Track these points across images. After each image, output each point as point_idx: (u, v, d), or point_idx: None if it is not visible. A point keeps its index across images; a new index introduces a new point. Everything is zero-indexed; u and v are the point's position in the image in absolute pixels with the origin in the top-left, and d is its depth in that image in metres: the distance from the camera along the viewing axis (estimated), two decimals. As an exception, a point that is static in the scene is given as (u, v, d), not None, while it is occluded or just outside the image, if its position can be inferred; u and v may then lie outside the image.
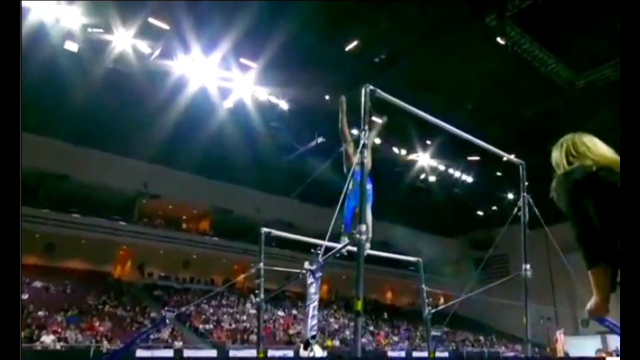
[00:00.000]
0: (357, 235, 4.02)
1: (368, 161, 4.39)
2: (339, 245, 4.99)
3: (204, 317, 22.37)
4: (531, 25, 14.98)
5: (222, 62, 15.94)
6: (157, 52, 15.15)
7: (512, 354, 28.58)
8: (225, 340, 20.64)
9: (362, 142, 4.34)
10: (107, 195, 23.60)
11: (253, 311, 24.49)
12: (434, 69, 16.84)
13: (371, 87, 4.52)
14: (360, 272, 3.95)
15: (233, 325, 22.52)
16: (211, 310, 23.19)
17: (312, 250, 26.19)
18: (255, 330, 21.99)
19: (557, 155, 2.20)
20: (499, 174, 24.75)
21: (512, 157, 6.90)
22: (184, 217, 28.84)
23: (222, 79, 16.49)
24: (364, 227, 4.04)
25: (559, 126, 21.08)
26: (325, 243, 5.29)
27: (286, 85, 17.31)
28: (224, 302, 24.56)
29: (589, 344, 26.23)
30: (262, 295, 6.80)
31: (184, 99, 16.30)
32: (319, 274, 6.01)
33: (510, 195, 26.91)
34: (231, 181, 25.62)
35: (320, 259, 5.55)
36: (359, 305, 3.83)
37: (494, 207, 29.58)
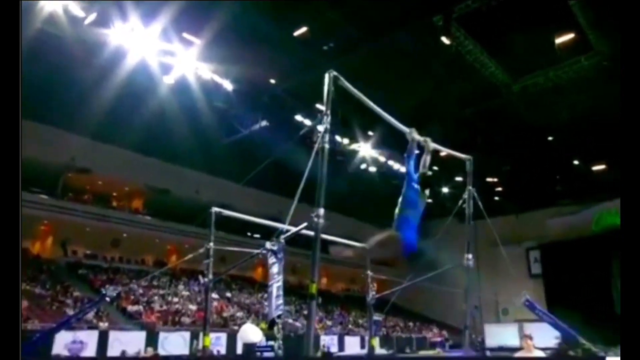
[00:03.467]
0: (315, 219, 4.02)
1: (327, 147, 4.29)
2: (293, 228, 5.08)
3: (133, 297, 21.81)
4: (475, 29, 15.83)
5: (164, 35, 15.32)
6: (92, 17, 14.27)
7: (439, 339, 30.47)
8: (155, 321, 20.30)
9: (324, 126, 4.25)
10: (28, 167, 22.02)
11: (186, 293, 24.25)
12: (378, 63, 17.30)
13: (334, 73, 4.47)
14: (316, 256, 4.01)
15: (164, 307, 22.16)
16: (141, 291, 22.65)
17: (249, 233, 25.99)
18: (188, 312, 21.94)
19: None
20: (435, 168, 25.90)
21: (459, 153, 7.13)
22: (115, 194, 27.71)
23: (164, 52, 15.88)
24: (321, 211, 4.05)
25: (495, 127, 22.52)
26: (285, 226, 5.41)
27: (231, 64, 17.03)
28: (155, 283, 24.06)
29: (508, 331, 28.88)
30: (210, 276, 6.96)
31: (122, 71, 15.55)
32: (281, 254, 6.21)
33: (445, 189, 28.38)
34: (169, 160, 24.94)
35: (282, 239, 5.76)
36: (314, 288, 3.88)
37: (429, 200, 31.00)
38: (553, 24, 15.48)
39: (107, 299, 9.84)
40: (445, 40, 15.93)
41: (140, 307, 21.34)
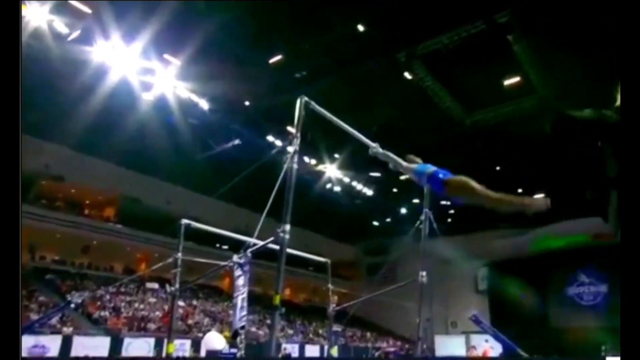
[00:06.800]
0: (281, 234, 4.03)
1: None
2: (260, 242, 5.01)
3: (99, 303, 20.92)
4: (434, 67, 16.47)
5: (144, 54, 15.19)
6: (75, 34, 13.99)
7: (392, 349, 30.61)
8: (121, 327, 19.51)
9: (293, 148, 4.29)
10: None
11: (153, 299, 23.46)
12: (346, 91, 17.68)
13: (306, 98, 4.51)
14: (281, 269, 4.00)
15: (130, 314, 21.35)
16: (108, 297, 21.76)
17: (217, 245, 25.45)
18: (154, 318, 21.20)
19: None
20: (395, 190, 26.40)
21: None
22: (88, 202, 26.75)
23: (144, 70, 15.70)
24: (287, 227, 4.06)
25: (449, 155, 23.21)
26: (253, 240, 5.34)
27: (208, 85, 17.01)
28: (122, 289, 23.16)
29: (456, 342, 29.62)
30: (177, 285, 6.84)
31: (103, 86, 15.28)
32: (247, 267, 6.13)
33: (403, 210, 28.90)
34: (142, 171, 24.44)
35: (249, 252, 5.70)
36: (278, 299, 3.88)
37: (388, 220, 31.43)
38: (502, 67, 16.35)
39: (72, 305, 9.47)
40: (407, 75, 16.50)
41: (107, 313, 20.51)
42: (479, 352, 20.63)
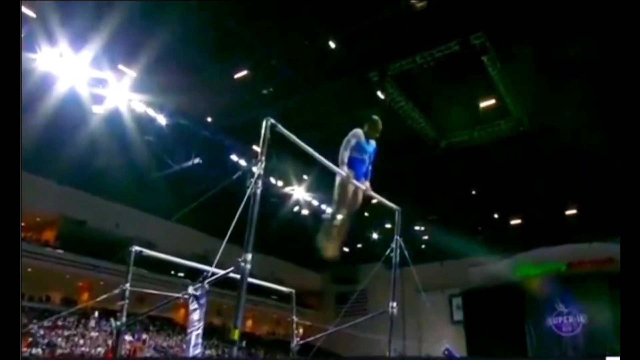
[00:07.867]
0: (242, 264, 4.01)
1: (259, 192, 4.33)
2: (219, 271, 4.95)
3: (30, 339, 19.86)
4: (407, 87, 17.07)
5: (95, 63, 14.82)
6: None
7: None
8: (56, 367, 18.61)
9: (257, 172, 4.31)
10: None
11: (94, 334, 22.52)
12: (315, 109, 17.98)
13: (272, 120, 4.53)
14: (241, 302, 3.98)
15: (68, 350, 20.38)
16: (42, 332, 20.70)
17: (173, 272, 24.94)
18: (96, 355, 20.31)
19: None
20: (366, 214, 26.73)
21: (389, 202, 7.43)
22: (24, 224, 25.65)
23: (95, 81, 15.40)
24: (249, 256, 4.04)
25: (423, 178, 23.83)
26: (212, 269, 5.23)
27: (166, 99, 16.88)
28: (59, 322, 22.10)
29: None
30: (124, 319, 6.49)
31: (49, 98, 14.81)
32: (203, 300, 5.91)
33: (375, 235, 29.26)
34: (89, 190, 23.74)
35: (206, 284, 5.52)
36: (237, 334, 3.85)
37: (359, 245, 31.66)
38: (478, 89, 17.15)
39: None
40: (379, 94, 17.01)
41: (39, 350, 19.48)
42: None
